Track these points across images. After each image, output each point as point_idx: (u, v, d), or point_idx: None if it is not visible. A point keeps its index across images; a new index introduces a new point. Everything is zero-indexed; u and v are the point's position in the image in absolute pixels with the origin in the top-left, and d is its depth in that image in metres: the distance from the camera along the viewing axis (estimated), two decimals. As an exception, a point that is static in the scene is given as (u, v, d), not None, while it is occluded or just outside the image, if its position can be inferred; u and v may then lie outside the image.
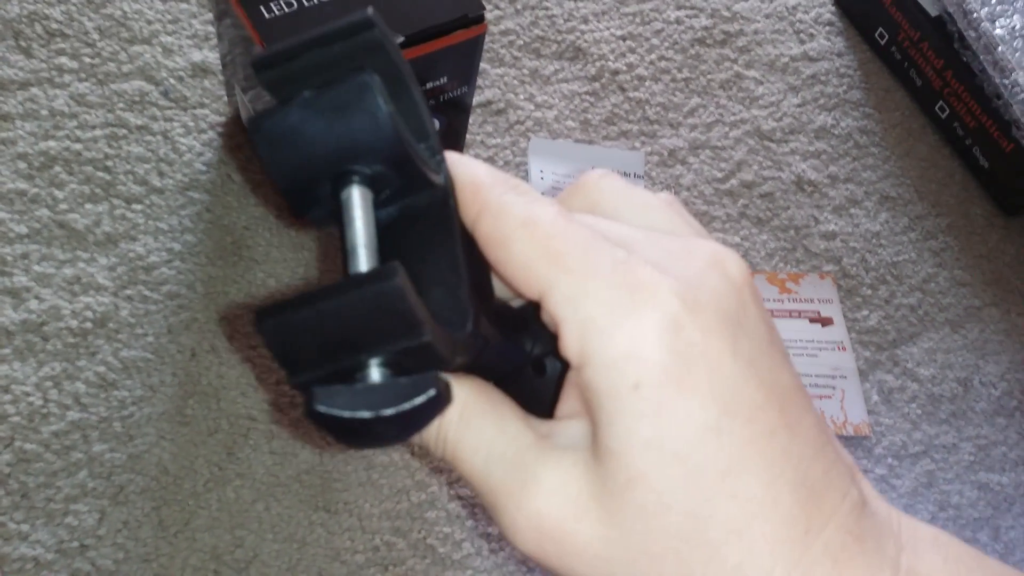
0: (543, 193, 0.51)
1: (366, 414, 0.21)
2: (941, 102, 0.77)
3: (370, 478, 0.57)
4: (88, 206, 0.60)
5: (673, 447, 0.21)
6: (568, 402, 0.24)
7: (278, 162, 0.22)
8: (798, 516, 0.22)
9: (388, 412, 0.21)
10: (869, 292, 0.69)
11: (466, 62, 0.60)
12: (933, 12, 0.75)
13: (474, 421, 0.24)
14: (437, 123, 0.61)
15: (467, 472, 0.24)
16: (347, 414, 0.21)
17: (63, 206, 0.60)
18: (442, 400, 0.22)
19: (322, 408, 0.21)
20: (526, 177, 0.69)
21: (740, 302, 0.23)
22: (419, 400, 0.21)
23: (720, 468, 0.21)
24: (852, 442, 0.64)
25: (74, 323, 0.57)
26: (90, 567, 0.52)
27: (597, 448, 0.22)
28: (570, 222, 0.23)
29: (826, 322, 0.67)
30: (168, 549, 0.53)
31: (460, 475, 0.25)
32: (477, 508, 0.57)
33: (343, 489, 0.56)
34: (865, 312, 0.68)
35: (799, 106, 0.77)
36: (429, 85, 0.59)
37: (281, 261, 0.61)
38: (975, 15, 0.72)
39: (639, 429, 0.21)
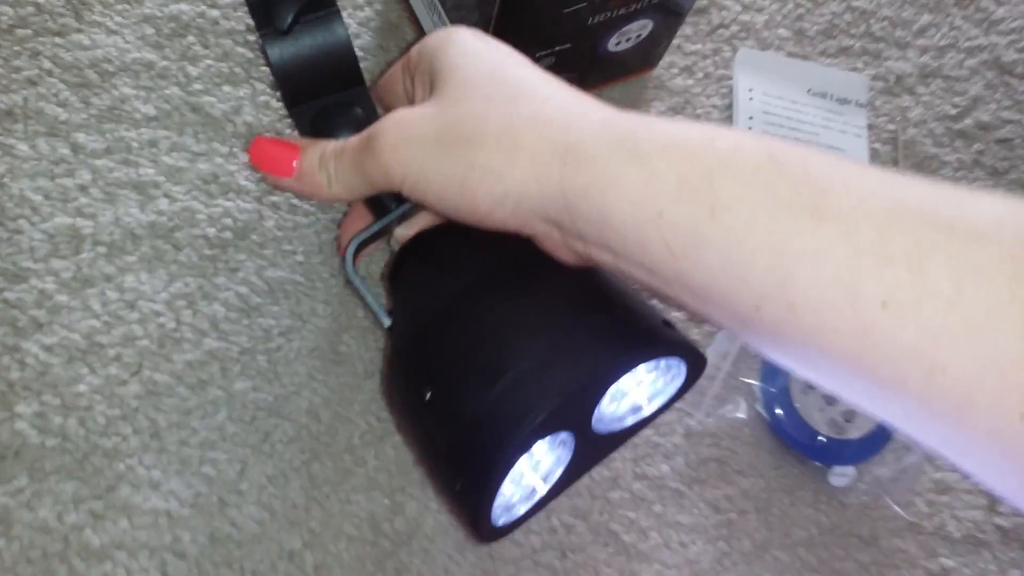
0: (751, 117, 0.55)
1: None
2: None
3: (546, 445, 0.49)
4: (226, 88, 0.50)
5: (480, 48, 0.34)
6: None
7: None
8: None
9: None
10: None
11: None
12: None
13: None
14: (651, 24, 0.50)
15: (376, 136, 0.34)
16: None
17: (197, 85, 0.50)
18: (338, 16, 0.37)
19: None
20: (730, 95, 0.57)
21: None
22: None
23: (507, 53, 0.34)
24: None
25: (211, 231, 0.48)
26: (230, 528, 0.44)
27: (434, 82, 0.34)
28: None
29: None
30: (319, 513, 0.45)
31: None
32: (665, 492, 0.49)
33: (516, 456, 0.48)
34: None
35: (1043, 35, 0.64)
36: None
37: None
38: None
39: (459, 47, 0.34)
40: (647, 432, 0.50)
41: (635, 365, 0.33)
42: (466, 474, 0.31)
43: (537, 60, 0.48)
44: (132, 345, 0.45)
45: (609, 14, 0.46)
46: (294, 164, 0.37)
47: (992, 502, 0.53)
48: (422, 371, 0.33)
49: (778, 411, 0.50)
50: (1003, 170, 0.60)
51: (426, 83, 0.35)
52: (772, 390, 0.50)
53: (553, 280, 0.33)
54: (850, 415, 0.50)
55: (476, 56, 0.34)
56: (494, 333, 0.31)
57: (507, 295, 0.33)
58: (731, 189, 0.27)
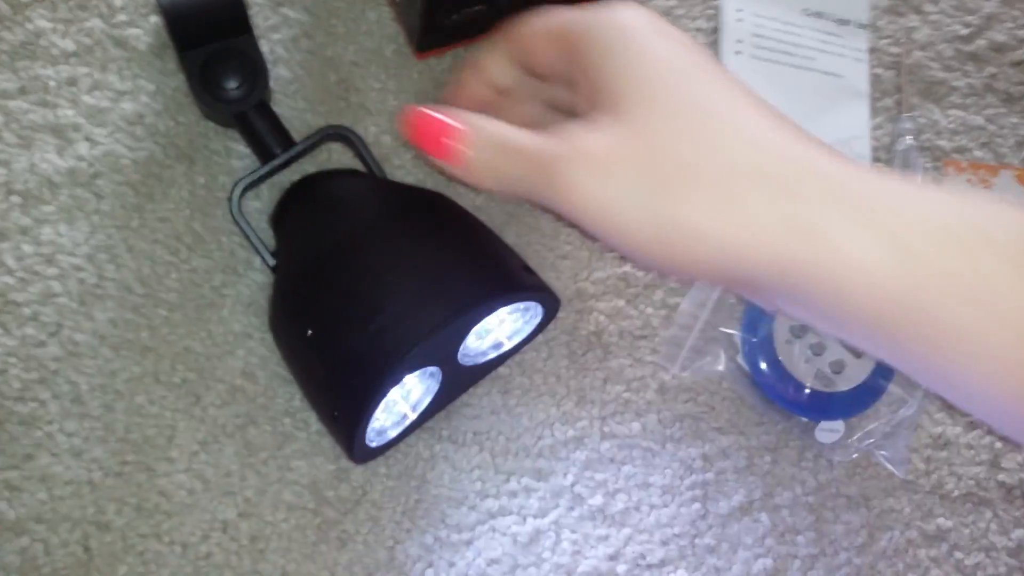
0: (739, 41, 0.51)
1: None
2: None
3: (506, 404, 0.45)
4: (153, 19, 0.46)
5: (669, 54, 0.30)
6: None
7: None
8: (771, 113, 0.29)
9: None
10: None
11: None
12: None
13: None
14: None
15: (521, 147, 0.30)
16: None
17: (121, 17, 0.45)
18: None
19: None
20: (716, 16, 0.52)
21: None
22: None
23: (700, 61, 0.30)
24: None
25: (136, 177, 0.44)
26: (159, 498, 0.41)
27: (607, 92, 0.30)
28: None
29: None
30: (256, 480, 0.42)
31: (510, 171, 0.30)
32: (636, 451, 0.46)
33: (473, 416, 0.45)
34: None
35: (1067, -58, 0.58)
36: None
37: (398, 111, 0.47)
38: None
39: (647, 48, 0.29)
40: (617, 388, 0.46)
41: (496, 308, 0.38)
42: (342, 405, 0.36)
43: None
44: (50, 303, 0.42)
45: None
46: (461, 149, 0.31)
47: (995, 457, 0.48)
48: (304, 310, 0.37)
49: (760, 363, 0.46)
50: (1018, 95, 0.54)
51: (589, 88, 0.30)
52: (754, 340, 0.46)
53: (424, 228, 0.37)
54: (838, 366, 0.46)
55: (661, 63, 0.29)
56: (369, 276, 0.35)
57: (383, 241, 0.36)
58: (1005, 283, 0.25)
